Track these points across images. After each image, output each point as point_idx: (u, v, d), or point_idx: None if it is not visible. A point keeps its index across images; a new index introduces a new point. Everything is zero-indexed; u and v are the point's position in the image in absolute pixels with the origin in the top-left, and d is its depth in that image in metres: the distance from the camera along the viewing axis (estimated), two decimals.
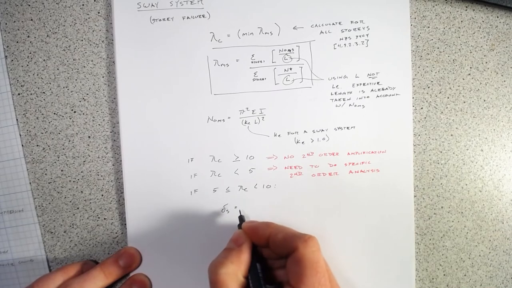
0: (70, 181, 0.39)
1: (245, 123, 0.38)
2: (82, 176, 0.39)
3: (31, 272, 0.39)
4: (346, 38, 0.37)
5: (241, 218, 0.36)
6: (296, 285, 0.28)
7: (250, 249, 0.32)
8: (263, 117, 0.38)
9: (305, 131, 0.38)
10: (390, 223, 0.37)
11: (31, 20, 0.39)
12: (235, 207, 0.37)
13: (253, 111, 0.38)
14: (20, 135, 0.39)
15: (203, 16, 0.38)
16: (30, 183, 0.39)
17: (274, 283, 0.31)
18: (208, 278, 0.30)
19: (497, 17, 0.38)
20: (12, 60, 0.39)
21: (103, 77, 0.39)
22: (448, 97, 0.38)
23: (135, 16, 0.37)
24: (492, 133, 0.38)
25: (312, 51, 0.37)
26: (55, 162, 0.39)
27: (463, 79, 0.38)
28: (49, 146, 0.39)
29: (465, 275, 0.39)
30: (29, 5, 0.39)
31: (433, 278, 0.38)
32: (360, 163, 0.37)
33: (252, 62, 0.38)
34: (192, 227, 0.38)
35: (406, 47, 0.37)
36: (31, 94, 0.39)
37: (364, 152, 0.37)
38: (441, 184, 0.38)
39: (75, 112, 0.39)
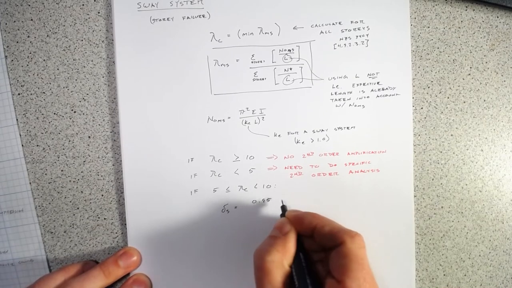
0: (70, 181, 0.39)
1: (245, 123, 0.38)
2: (82, 176, 0.39)
3: (31, 272, 0.39)
4: (346, 38, 0.37)
5: (284, 208, 0.36)
6: (340, 278, 0.28)
7: (295, 237, 0.31)
8: (263, 117, 0.38)
9: (305, 131, 0.38)
10: (390, 223, 0.37)
11: (31, 20, 0.39)
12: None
13: (253, 111, 0.38)
14: (20, 135, 0.39)
15: (203, 16, 0.38)
16: (30, 183, 0.39)
17: (314, 275, 0.31)
18: (253, 264, 0.30)
19: (497, 17, 0.38)
20: (12, 60, 0.39)
21: (103, 77, 0.39)
22: (448, 97, 0.38)
23: (135, 16, 0.37)
24: (492, 133, 0.38)
25: (312, 51, 0.37)
26: (55, 162, 0.39)
27: (463, 79, 0.38)
28: (49, 146, 0.39)
29: (465, 275, 0.39)
30: (29, 5, 0.39)
31: (433, 278, 0.38)
32: (360, 163, 0.37)
33: (252, 62, 0.38)
34: (192, 227, 0.38)
35: (406, 47, 0.37)
36: (31, 94, 0.39)
37: (364, 152, 0.37)
38: (441, 184, 0.38)
39: (75, 112, 0.39)
